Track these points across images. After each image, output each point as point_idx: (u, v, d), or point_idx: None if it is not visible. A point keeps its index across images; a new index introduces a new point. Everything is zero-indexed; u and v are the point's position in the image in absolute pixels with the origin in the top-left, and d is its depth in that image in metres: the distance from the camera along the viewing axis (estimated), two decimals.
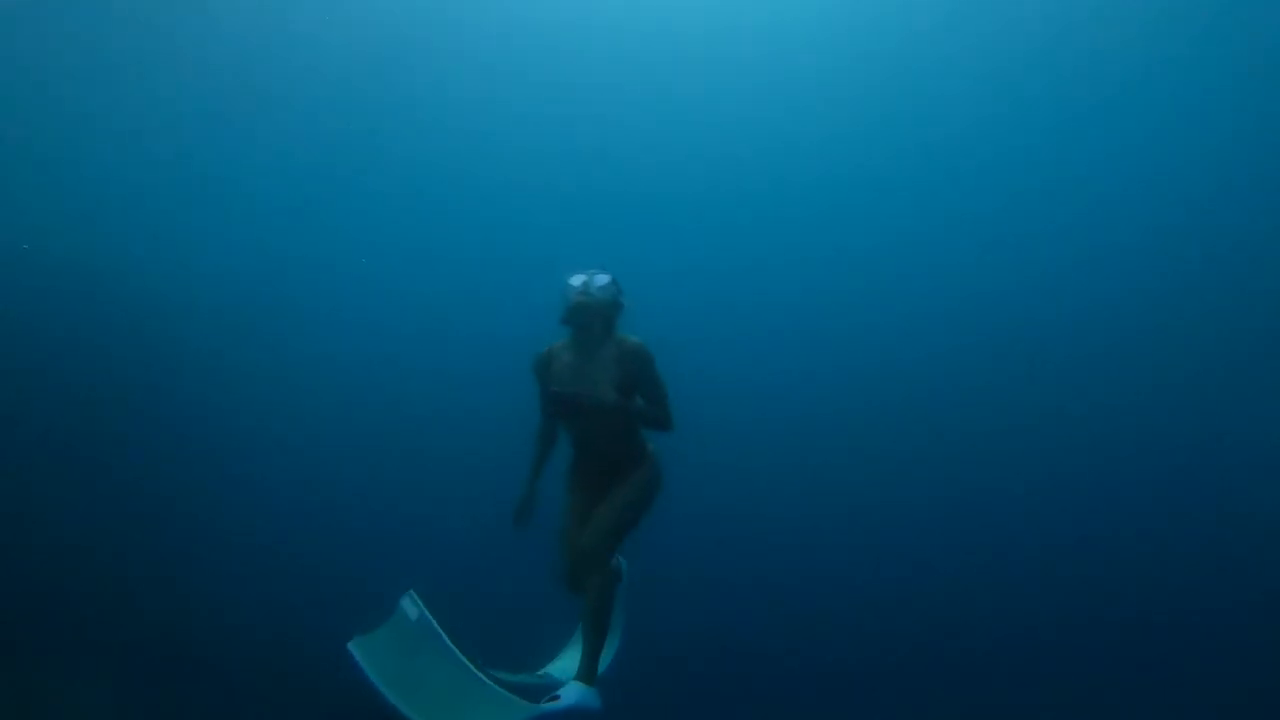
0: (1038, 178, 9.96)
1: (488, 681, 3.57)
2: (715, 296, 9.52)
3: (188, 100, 9.55)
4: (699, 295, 9.01)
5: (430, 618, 3.73)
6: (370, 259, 9.77)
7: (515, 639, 4.13)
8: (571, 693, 3.57)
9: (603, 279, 3.85)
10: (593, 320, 3.81)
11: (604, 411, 3.68)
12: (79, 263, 9.07)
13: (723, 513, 8.20)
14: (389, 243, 10.28)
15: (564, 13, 9.75)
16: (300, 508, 8.75)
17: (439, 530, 8.60)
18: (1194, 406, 8.77)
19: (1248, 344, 8.87)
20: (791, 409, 9.48)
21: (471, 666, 3.60)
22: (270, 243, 10.05)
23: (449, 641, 3.66)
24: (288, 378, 9.52)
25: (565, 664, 4.16)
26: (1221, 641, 7.55)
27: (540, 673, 4.24)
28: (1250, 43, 8.96)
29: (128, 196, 9.62)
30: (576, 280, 3.82)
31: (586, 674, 3.70)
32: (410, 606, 3.80)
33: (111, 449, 8.31)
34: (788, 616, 8.05)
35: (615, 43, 9.71)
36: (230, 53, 9.58)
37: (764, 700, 7.40)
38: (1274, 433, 8.36)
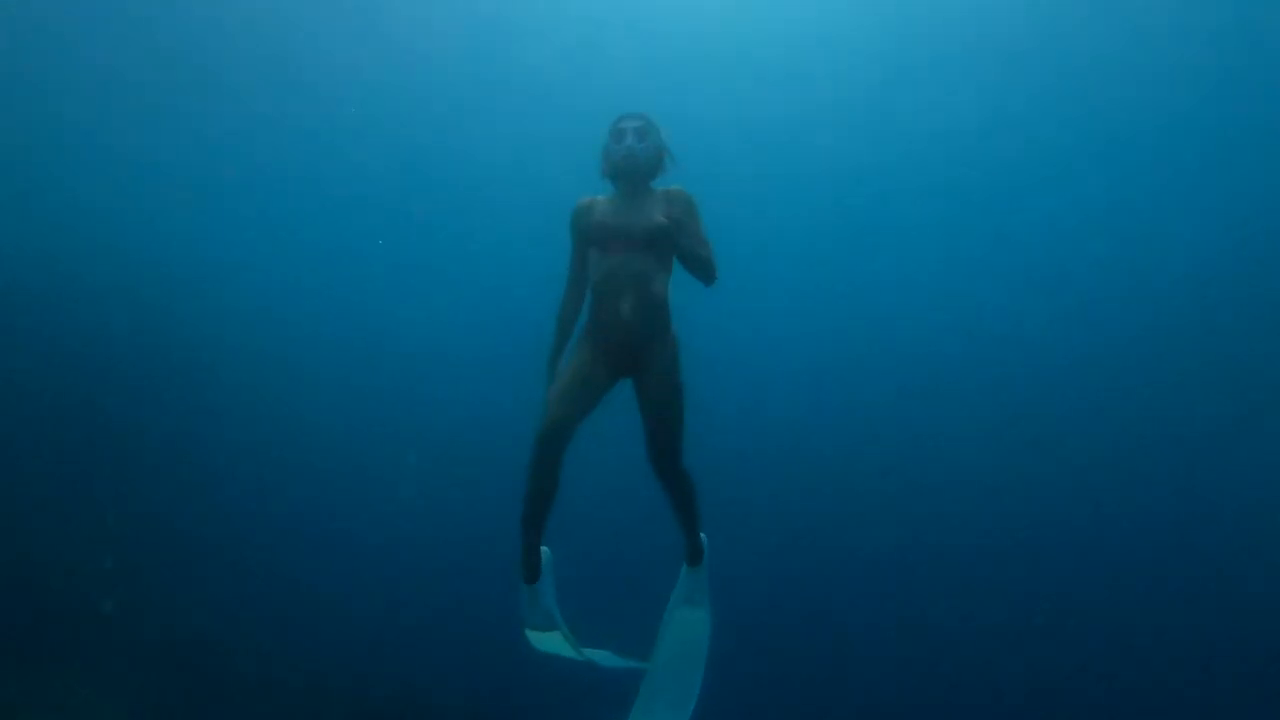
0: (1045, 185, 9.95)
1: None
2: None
3: (185, 98, 9.52)
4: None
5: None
6: (385, 241, 9.59)
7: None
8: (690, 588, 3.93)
9: (652, 125, 3.62)
10: (640, 172, 3.58)
11: (654, 239, 3.43)
12: (78, 265, 9.11)
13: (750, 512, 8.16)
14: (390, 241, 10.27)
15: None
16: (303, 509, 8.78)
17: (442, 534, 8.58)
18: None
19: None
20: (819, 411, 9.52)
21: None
22: (271, 240, 10.05)
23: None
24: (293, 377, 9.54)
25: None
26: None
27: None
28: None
29: (123, 197, 9.59)
30: (624, 126, 3.57)
31: (692, 555, 3.93)
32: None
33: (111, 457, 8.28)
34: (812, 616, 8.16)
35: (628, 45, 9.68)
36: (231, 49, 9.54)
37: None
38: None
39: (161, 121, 9.51)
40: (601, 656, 3.77)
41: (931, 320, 9.71)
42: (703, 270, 3.54)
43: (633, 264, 3.46)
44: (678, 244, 3.44)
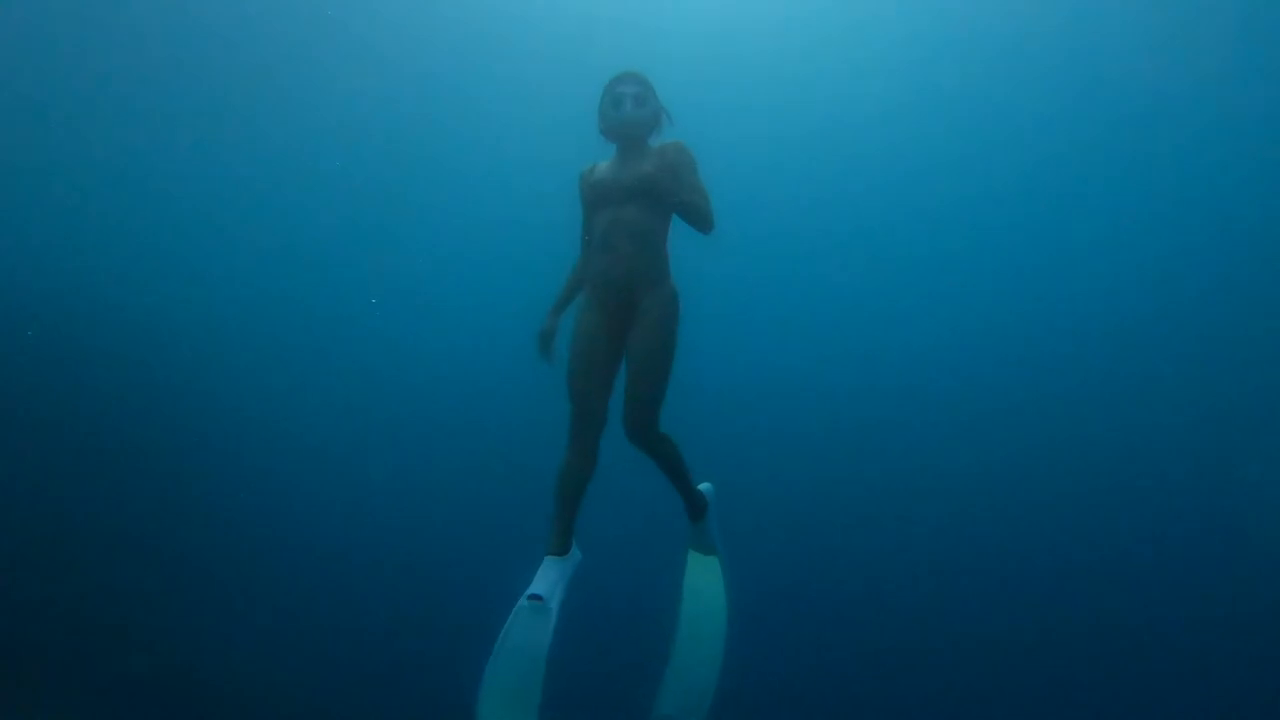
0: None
1: None
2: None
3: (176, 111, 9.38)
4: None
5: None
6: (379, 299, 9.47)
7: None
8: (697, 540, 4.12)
9: (649, 88, 3.71)
10: (639, 133, 3.68)
11: (643, 187, 3.52)
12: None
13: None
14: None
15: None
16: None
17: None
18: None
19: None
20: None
21: None
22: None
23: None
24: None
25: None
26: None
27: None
28: None
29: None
30: (622, 91, 3.64)
31: (694, 511, 4.00)
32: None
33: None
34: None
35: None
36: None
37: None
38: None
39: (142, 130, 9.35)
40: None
41: (936, 317, 9.66)
42: (697, 217, 3.54)
43: (625, 214, 3.55)
44: (668, 191, 3.48)
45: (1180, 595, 7.97)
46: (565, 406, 3.59)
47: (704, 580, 4.11)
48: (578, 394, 3.55)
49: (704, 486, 4.07)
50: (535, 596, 3.46)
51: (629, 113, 3.62)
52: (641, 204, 3.56)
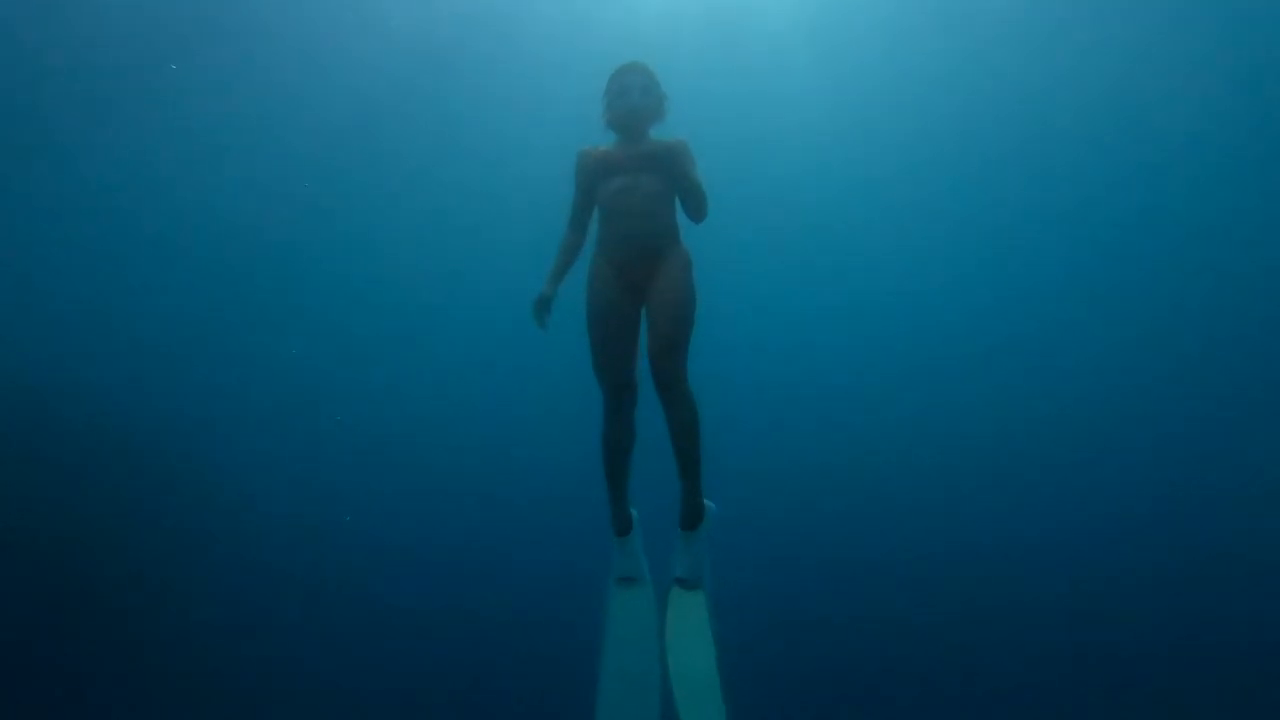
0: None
1: None
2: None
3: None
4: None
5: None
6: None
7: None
8: (681, 558, 3.54)
9: (654, 79, 3.78)
10: (644, 121, 3.74)
11: (656, 155, 3.62)
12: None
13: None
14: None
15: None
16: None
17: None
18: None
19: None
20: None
21: None
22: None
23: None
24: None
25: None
26: None
27: None
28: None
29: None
30: (628, 82, 3.72)
31: (690, 516, 3.56)
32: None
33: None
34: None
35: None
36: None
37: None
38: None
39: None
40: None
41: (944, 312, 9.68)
42: (698, 200, 3.61)
43: (640, 181, 3.62)
44: (679, 165, 3.58)
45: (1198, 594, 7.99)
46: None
47: (687, 623, 3.54)
48: (607, 366, 3.56)
49: (707, 503, 3.78)
50: (625, 579, 3.64)
51: (636, 101, 3.68)
52: (654, 174, 3.62)
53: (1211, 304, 9.12)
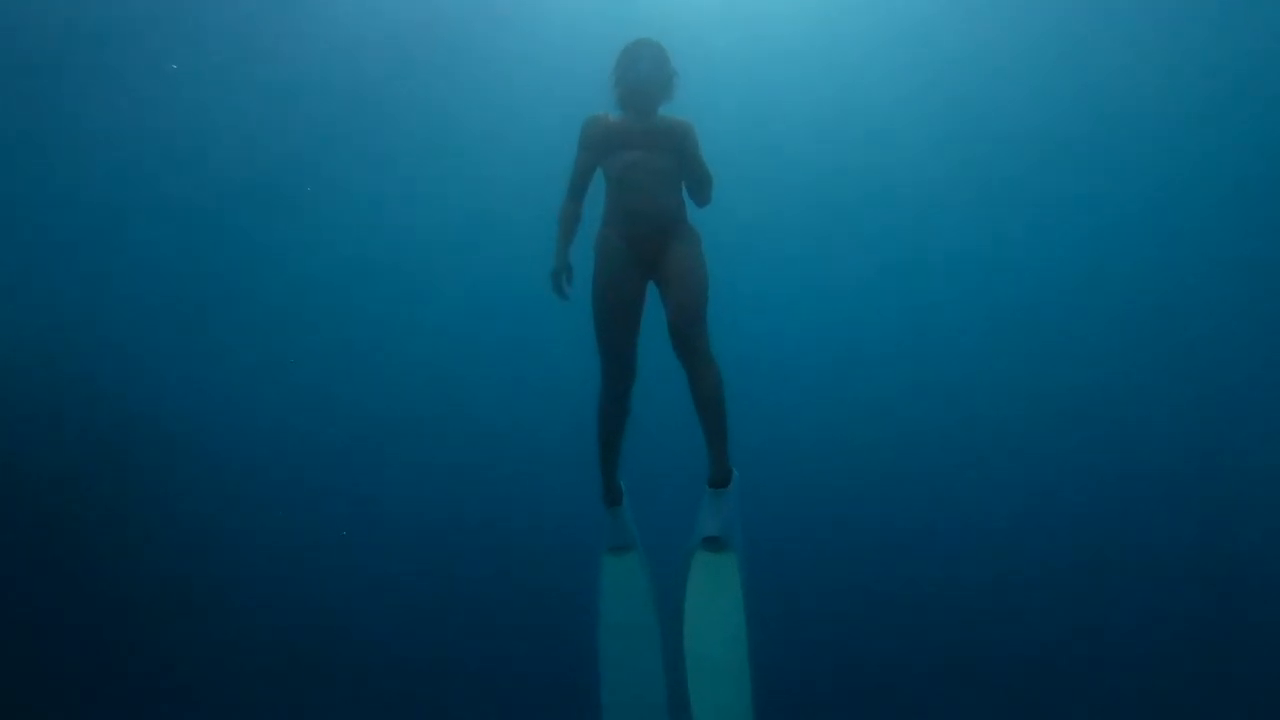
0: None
1: None
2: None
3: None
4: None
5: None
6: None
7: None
8: (709, 515, 3.31)
9: (665, 55, 3.79)
10: (654, 98, 3.76)
11: (671, 132, 3.67)
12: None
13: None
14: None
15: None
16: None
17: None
18: None
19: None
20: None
21: None
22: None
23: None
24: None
25: None
26: None
27: None
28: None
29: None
30: (640, 54, 3.74)
31: (718, 474, 3.38)
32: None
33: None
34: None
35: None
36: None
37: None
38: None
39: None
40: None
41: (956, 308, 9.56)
42: (705, 183, 3.72)
43: (651, 158, 3.64)
44: (686, 146, 3.65)
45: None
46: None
47: (715, 588, 3.31)
48: (611, 341, 3.60)
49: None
50: (617, 547, 3.78)
51: (646, 72, 3.69)
52: (665, 152, 3.65)
53: None
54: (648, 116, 3.73)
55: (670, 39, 3.87)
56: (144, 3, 8.59)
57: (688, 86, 3.88)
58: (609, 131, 3.70)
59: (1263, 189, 8.91)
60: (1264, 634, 7.69)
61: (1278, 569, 7.94)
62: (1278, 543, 8.03)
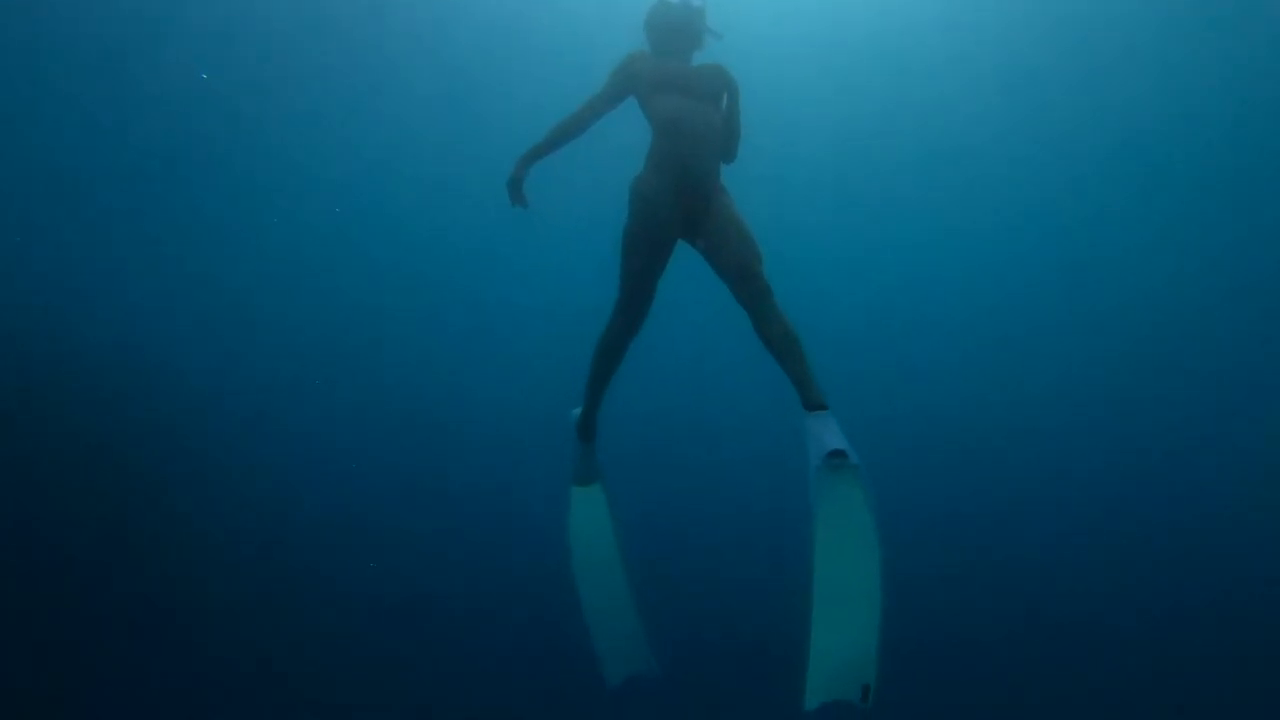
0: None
1: None
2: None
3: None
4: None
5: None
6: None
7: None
8: (822, 435, 3.09)
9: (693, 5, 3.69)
10: (692, 35, 3.68)
11: (725, 81, 3.62)
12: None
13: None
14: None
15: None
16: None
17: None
18: None
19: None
20: None
21: None
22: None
23: None
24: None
25: None
26: None
27: None
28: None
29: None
30: (667, 3, 3.66)
31: (815, 398, 3.23)
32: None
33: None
34: None
35: None
36: None
37: None
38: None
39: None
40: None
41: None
42: (735, 134, 3.65)
43: (702, 108, 3.55)
44: (730, 90, 3.60)
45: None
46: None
47: (845, 505, 3.09)
48: (640, 282, 3.52)
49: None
50: (584, 480, 3.94)
51: (681, 13, 3.64)
52: (710, 100, 3.60)
53: None
54: (685, 59, 3.66)
55: None
56: None
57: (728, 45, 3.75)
58: (655, 70, 3.58)
59: None
60: None
61: None
62: None
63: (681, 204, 3.49)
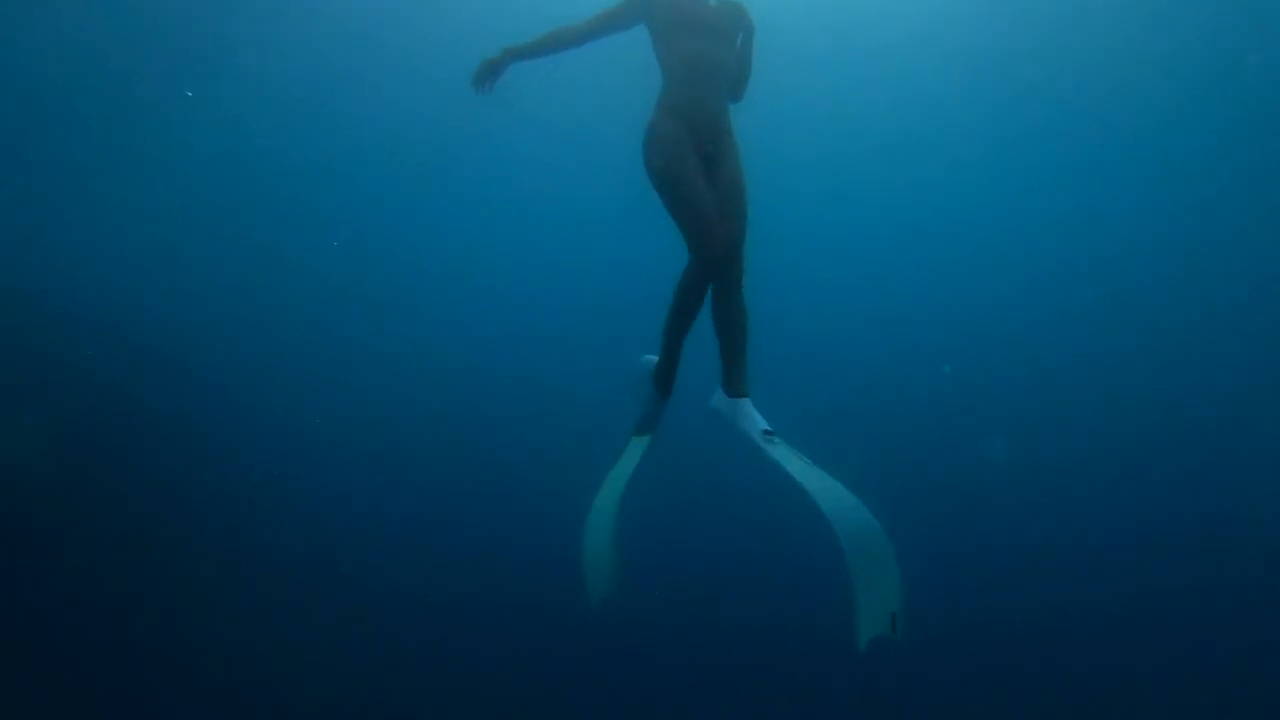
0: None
1: None
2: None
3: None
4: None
5: None
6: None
7: None
8: (752, 415, 3.49)
9: None
10: None
11: (742, 18, 3.67)
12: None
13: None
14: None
15: None
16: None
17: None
18: None
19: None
20: None
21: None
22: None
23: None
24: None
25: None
26: None
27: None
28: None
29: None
30: None
31: (742, 386, 3.58)
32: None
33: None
34: None
35: None
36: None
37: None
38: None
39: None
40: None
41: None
42: (745, 75, 3.73)
43: (718, 52, 3.57)
44: (746, 29, 3.67)
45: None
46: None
47: (805, 471, 3.46)
48: (697, 201, 3.40)
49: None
50: (642, 430, 3.87)
51: None
52: (728, 40, 3.63)
53: None
54: None
55: None
56: None
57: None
58: (675, 7, 3.53)
59: None
60: None
61: None
62: None
63: (694, 142, 3.48)
